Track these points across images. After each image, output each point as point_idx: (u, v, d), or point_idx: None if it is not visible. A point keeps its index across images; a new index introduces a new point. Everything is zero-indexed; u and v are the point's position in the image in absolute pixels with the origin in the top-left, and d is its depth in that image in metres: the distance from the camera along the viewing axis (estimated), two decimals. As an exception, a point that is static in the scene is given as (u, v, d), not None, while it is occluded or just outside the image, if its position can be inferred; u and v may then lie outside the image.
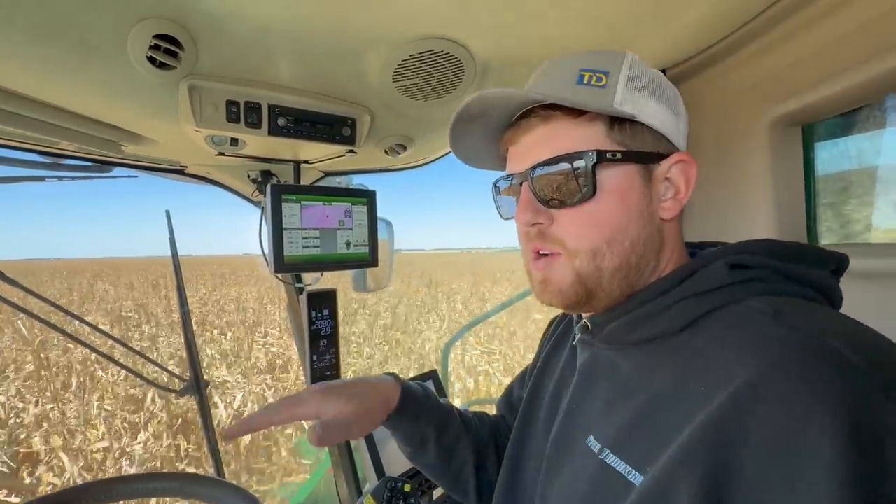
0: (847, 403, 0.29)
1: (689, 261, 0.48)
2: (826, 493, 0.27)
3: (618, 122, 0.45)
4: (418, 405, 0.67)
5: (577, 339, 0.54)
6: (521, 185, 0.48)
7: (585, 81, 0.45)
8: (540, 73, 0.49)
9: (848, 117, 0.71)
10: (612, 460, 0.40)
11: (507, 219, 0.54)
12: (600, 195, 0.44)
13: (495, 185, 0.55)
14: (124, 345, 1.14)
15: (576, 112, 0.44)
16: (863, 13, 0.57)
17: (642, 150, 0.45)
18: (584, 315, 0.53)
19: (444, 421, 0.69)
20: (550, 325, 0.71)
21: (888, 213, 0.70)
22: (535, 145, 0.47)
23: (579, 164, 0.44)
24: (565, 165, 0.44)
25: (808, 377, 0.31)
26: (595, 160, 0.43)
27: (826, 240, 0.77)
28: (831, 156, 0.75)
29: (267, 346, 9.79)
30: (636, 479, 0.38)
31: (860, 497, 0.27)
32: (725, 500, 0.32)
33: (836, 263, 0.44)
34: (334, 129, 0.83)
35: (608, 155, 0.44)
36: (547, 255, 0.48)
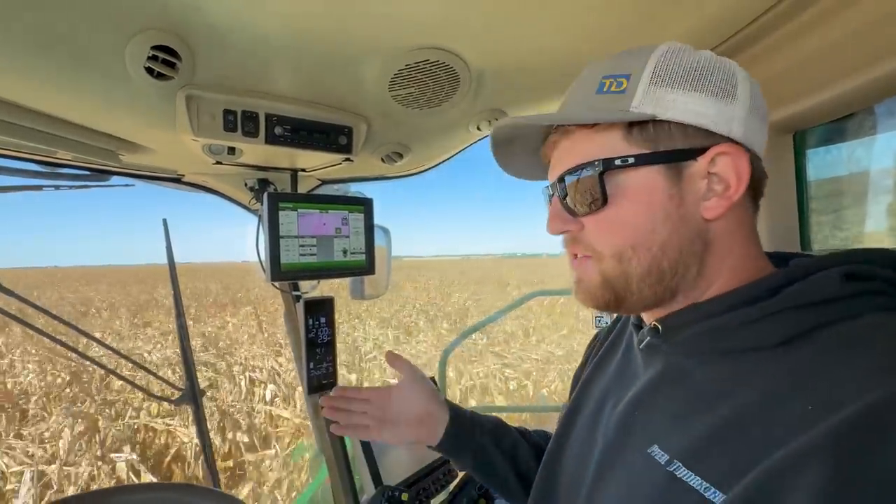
0: None
1: (774, 269, 0.45)
2: None
3: (638, 124, 0.44)
4: (469, 418, 0.75)
5: (644, 342, 0.50)
6: (552, 196, 0.50)
7: (605, 89, 0.45)
8: (574, 83, 0.50)
9: (839, 124, 0.72)
10: (685, 474, 0.37)
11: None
12: (620, 200, 0.44)
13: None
14: (121, 354, 1.14)
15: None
16: (853, 22, 0.58)
17: (669, 149, 0.43)
18: (647, 317, 0.51)
19: (499, 431, 0.75)
20: (595, 339, 0.71)
21: (879, 218, 0.70)
22: (560, 158, 0.49)
23: (588, 173, 0.45)
24: (577, 175, 0.46)
25: None
26: (601, 168, 0.44)
27: (819, 246, 0.77)
28: (824, 162, 0.76)
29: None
30: (715, 496, 0.35)
31: None
32: None
33: None
34: (331, 137, 0.84)
35: (616, 162, 0.44)
36: (582, 257, 0.49)
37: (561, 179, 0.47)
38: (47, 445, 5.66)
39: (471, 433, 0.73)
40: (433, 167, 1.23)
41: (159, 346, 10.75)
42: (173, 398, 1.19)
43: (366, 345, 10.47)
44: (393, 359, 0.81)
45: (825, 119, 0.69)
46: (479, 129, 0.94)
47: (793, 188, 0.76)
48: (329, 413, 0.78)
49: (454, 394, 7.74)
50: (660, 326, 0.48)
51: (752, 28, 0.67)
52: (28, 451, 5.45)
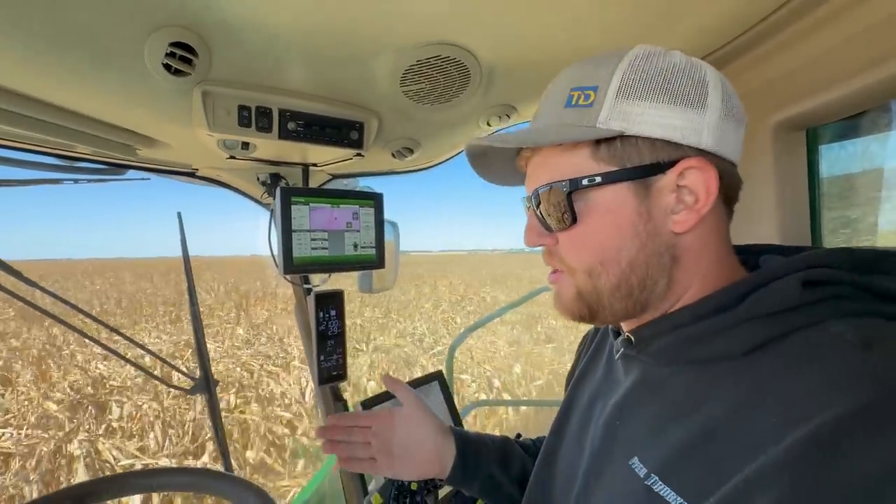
0: None
1: (745, 274, 0.45)
2: None
3: (606, 140, 0.43)
4: (474, 444, 0.71)
5: (619, 353, 0.52)
6: (529, 208, 0.51)
7: (574, 102, 0.44)
8: (543, 95, 0.50)
9: (852, 121, 0.71)
10: (660, 488, 0.38)
11: None
12: (588, 218, 0.44)
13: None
14: (137, 344, 1.16)
15: None
16: (867, 18, 0.57)
17: (636, 166, 0.42)
18: (623, 327, 0.51)
19: (506, 452, 0.73)
20: (587, 335, 0.71)
21: (893, 216, 0.70)
22: (534, 173, 0.49)
23: (557, 193, 0.45)
24: (548, 194, 0.46)
25: None
26: (569, 189, 0.44)
27: (830, 244, 0.77)
28: (838, 158, 0.75)
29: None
30: None
31: None
32: None
33: None
34: (342, 132, 0.85)
35: (584, 181, 0.43)
36: (558, 271, 0.50)
37: (535, 194, 0.48)
38: (136, 438, 5.77)
39: (477, 462, 0.71)
40: (442, 162, 1.24)
41: (220, 338, 11.50)
42: (188, 387, 1.22)
43: (425, 339, 11.01)
44: (391, 383, 0.75)
45: (838, 116, 0.69)
46: (488, 124, 0.94)
47: (805, 185, 0.75)
48: (329, 449, 0.73)
49: (529, 392, 7.94)
50: (632, 337, 0.48)
51: (765, 24, 0.66)
52: (124, 443, 5.56)
